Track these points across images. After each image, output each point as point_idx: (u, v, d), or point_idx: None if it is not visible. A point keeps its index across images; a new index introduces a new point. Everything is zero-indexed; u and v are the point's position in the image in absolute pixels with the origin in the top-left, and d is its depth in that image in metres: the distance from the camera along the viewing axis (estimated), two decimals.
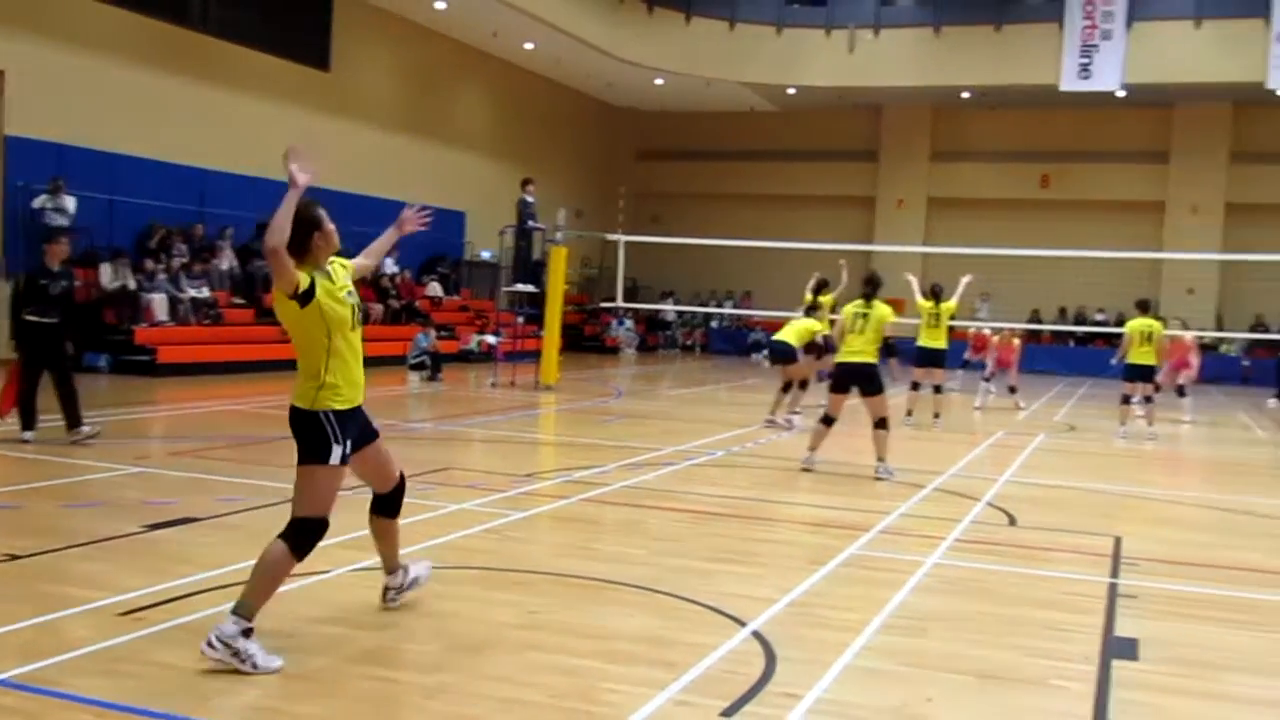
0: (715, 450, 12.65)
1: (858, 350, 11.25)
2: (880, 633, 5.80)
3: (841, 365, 11.40)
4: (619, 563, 7.08)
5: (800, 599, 6.39)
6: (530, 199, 20.32)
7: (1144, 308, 16.41)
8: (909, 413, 16.55)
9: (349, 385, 5.16)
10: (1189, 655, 5.67)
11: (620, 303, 24.16)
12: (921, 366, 16.87)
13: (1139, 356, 15.93)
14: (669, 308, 35.02)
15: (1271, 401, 23.93)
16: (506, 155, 31.09)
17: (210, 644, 4.77)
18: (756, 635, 5.63)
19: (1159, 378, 17.74)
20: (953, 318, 17.04)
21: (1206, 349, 31.17)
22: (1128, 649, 5.70)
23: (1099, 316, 32.49)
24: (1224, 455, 15.37)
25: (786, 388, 15.63)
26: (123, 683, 4.61)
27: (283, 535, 5.04)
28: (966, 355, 21.98)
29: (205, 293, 20.63)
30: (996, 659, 5.47)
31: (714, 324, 36.98)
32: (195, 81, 21.76)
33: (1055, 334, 32.39)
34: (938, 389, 16.89)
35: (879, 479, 10.90)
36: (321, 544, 6.61)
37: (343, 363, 5.13)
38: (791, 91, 33.38)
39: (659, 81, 33.09)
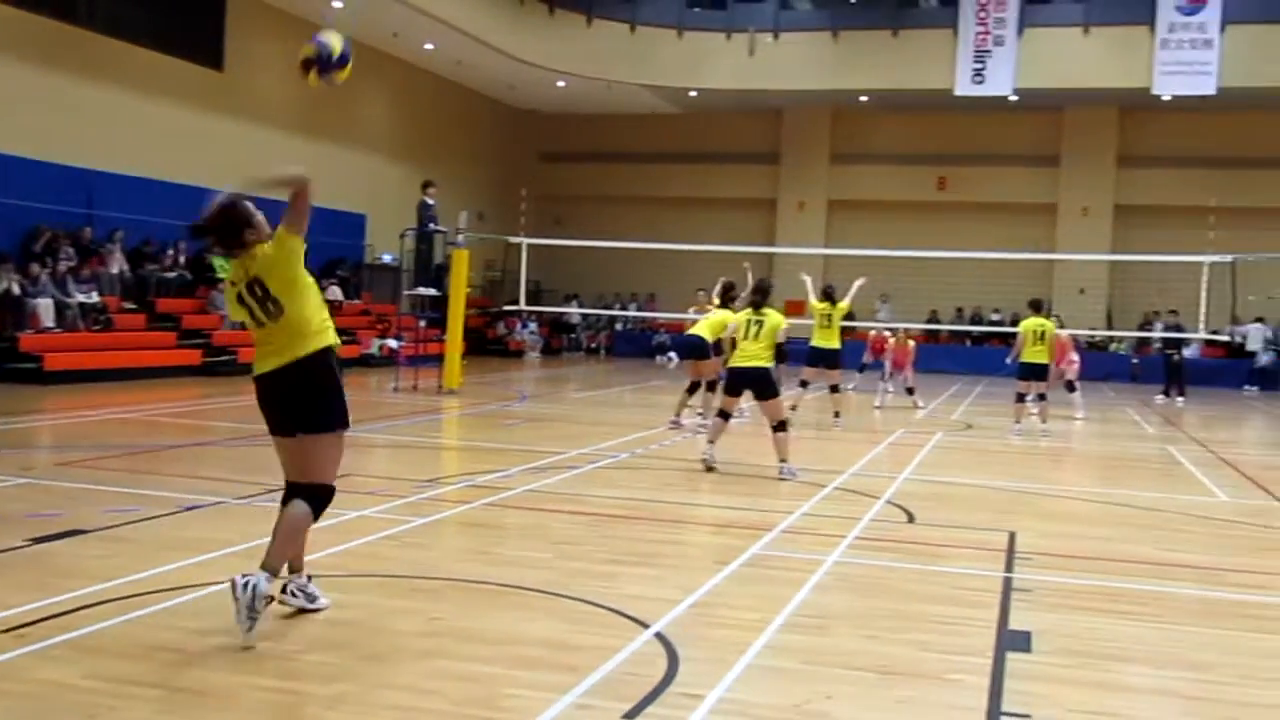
0: (619, 453, 12.66)
1: (751, 355, 11.39)
2: (781, 631, 5.85)
3: (735, 370, 11.57)
4: (522, 567, 7.05)
5: (703, 599, 6.42)
6: (431, 201, 20.15)
7: (1036, 307, 16.79)
8: (793, 407, 16.76)
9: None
10: (1080, 646, 5.81)
11: (524, 306, 24.09)
12: (814, 366, 17.09)
13: (1032, 355, 16.30)
14: (573, 310, 35.01)
15: (1159, 397, 24.65)
16: (408, 157, 30.82)
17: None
18: (659, 637, 5.65)
19: None
20: (850, 318, 17.27)
21: (1097, 347, 32.10)
22: (1021, 641, 5.82)
23: (994, 316, 33.17)
24: (1114, 451, 15.79)
25: (693, 388, 15.68)
26: (3, 702, 4.47)
27: (307, 498, 5.53)
28: (866, 357, 22.29)
29: (94, 298, 20.09)
30: (895, 654, 5.55)
31: (619, 326, 37.04)
32: (83, 80, 21.18)
33: (952, 334, 33.01)
34: (834, 389, 17.11)
35: (782, 479, 11.00)
36: (216, 553, 6.48)
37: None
38: (693, 94, 33.59)
39: (561, 84, 33.06)
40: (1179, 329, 25.27)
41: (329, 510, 5.90)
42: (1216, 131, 32.19)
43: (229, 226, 5.59)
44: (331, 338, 5.67)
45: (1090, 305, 32.73)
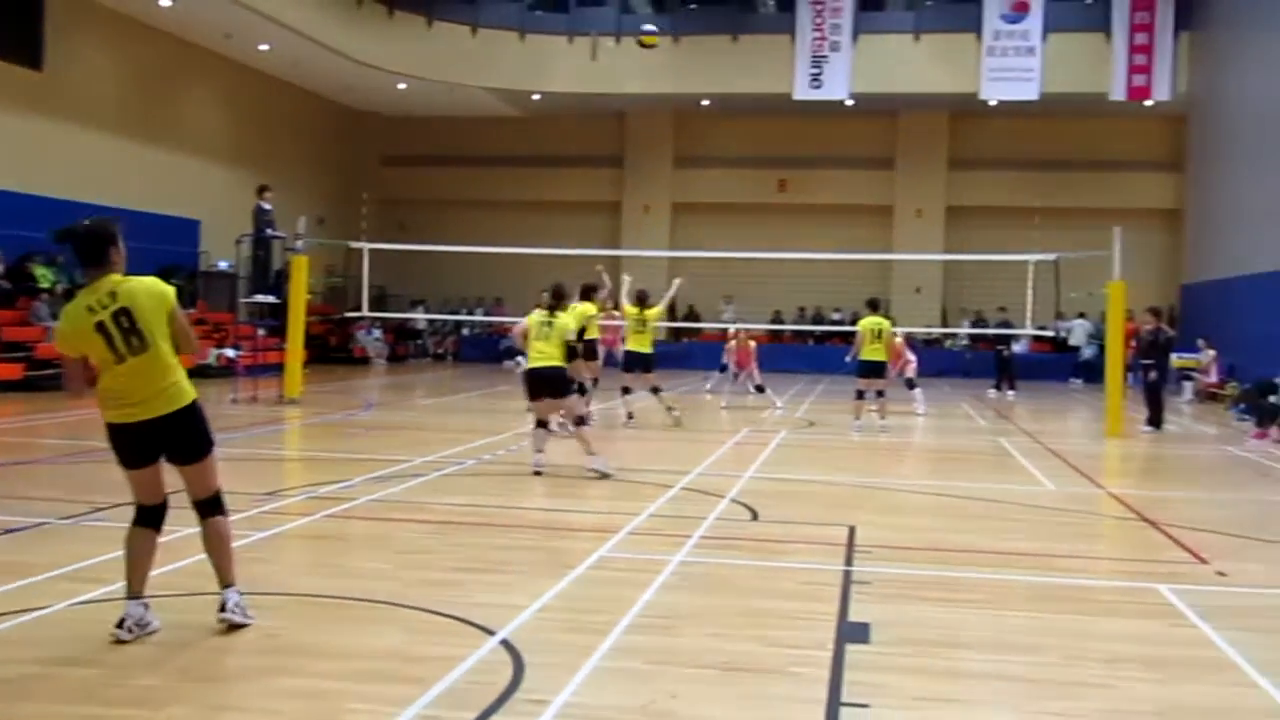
0: (466, 459, 12.56)
1: (545, 356, 11.52)
2: (627, 633, 5.88)
3: (530, 373, 11.73)
4: (365, 579, 6.94)
5: (549, 604, 6.41)
6: (268, 206, 19.69)
7: (874, 306, 17.20)
8: (629, 415, 16.97)
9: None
10: (917, 635, 5.98)
11: (367, 312, 23.71)
12: (630, 371, 17.26)
13: (870, 353, 16.70)
14: (418, 316, 34.59)
15: (991, 392, 25.55)
16: (244, 161, 30.02)
17: (239, 614, 5.71)
18: (505, 644, 5.62)
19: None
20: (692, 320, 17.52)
21: (932, 344, 33.10)
22: (860, 633, 5.96)
23: (836, 316, 33.95)
24: (950, 444, 16.30)
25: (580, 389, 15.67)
26: None
27: (220, 510, 5.93)
28: (724, 358, 22.61)
29: None
30: (739, 651, 5.63)
31: (465, 332, 36.75)
32: None
33: (795, 333, 33.64)
34: (655, 390, 17.31)
35: (593, 476, 11.08)
36: (39, 577, 6.24)
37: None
38: (536, 98, 33.54)
39: (401, 86, 32.64)
40: (1008, 325, 26.24)
41: (164, 528, 5.79)
42: (1040, 136, 33.58)
43: (99, 241, 5.51)
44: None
45: (926, 304, 33.77)
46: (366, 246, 21.72)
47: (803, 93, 30.39)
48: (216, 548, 5.90)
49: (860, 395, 16.93)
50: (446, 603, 6.33)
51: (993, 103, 30.58)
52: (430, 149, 37.49)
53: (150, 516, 5.78)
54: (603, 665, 5.35)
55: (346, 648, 5.52)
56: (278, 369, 20.06)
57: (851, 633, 5.96)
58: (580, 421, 11.82)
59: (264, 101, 31.62)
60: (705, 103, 33.94)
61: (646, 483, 11.04)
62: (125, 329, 5.47)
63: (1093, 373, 30.13)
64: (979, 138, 34.33)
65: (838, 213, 34.56)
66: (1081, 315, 31.23)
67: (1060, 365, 31.51)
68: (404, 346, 35.52)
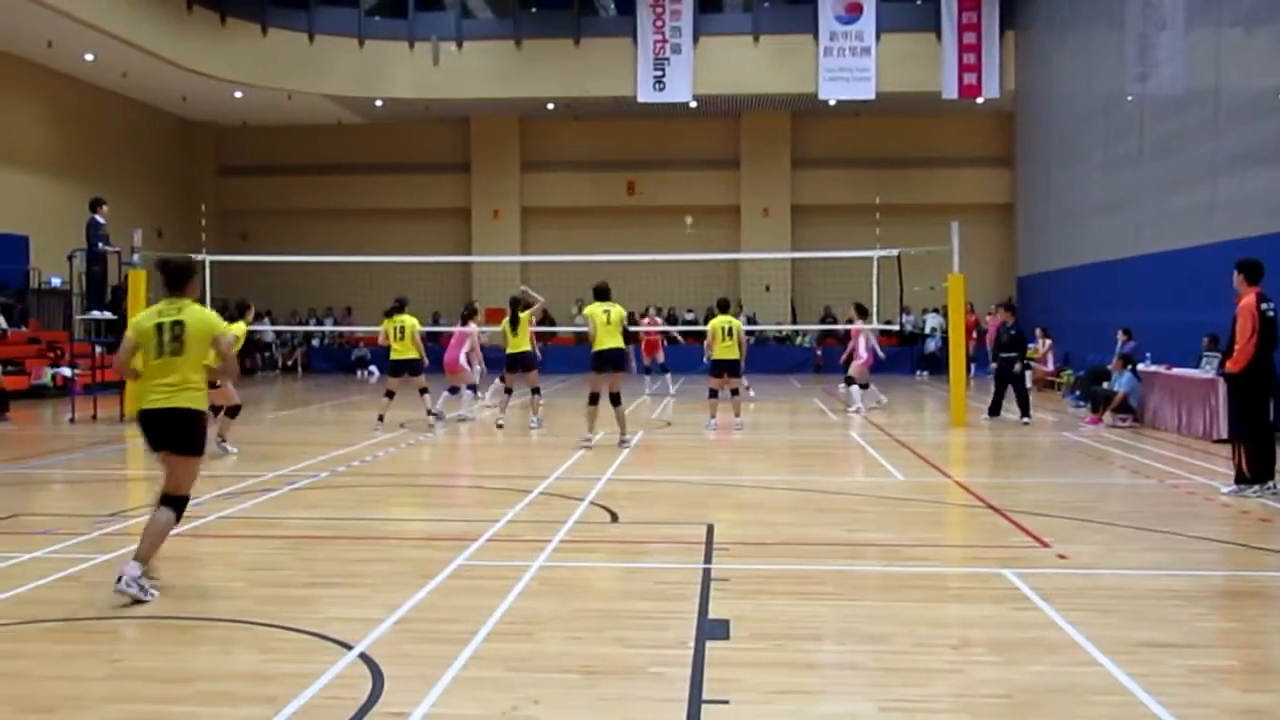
0: (319, 471, 12.30)
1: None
2: (487, 641, 5.82)
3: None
4: (214, 598, 6.74)
5: (407, 615, 6.31)
6: (102, 220, 18.98)
7: (724, 306, 17.42)
8: (499, 425, 17.01)
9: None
10: (775, 629, 6.06)
11: None
12: (513, 371, 17.30)
13: (723, 352, 16.90)
14: (265, 328, 33.72)
15: (842, 386, 26.03)
16: (74, 174, 28.88)
17: (124, 585, 6.48)
18: (363, 657, 5.52)
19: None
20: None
21: (782, 341, 33.67)
22: (720, 630, 6.01)
23: (688, 315, 34.23)
24: (802, 439, 16.59)
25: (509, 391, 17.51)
26: None
27: (170, 505, 6.96)
28: (645, 359, 23.03)
29: None
30: (600, 654, 5.63)
31: (315, 342, 36.01)
32: None
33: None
34: (535, 391, 17.35)
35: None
36: None
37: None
38: (378, 104, 33.09)
39: (238, 94, 31.82)
40: (851, 321, 26.75)
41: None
42: (878, 134, 34.47)
43: (184, 274, 7.32)
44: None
45: (775, 301, 34.31)
46: (207, 258, 21.10)
47: (646, 95, 30.61)
48: (151, 531, 6.89)
49: (714, 394, 17.11)
50: (299, 618, 6.19)
51: (832, 102, 31.26)
52: (271, 158, 36.66)
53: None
54: (463, 675, 5.29)
55: (194, 670, 5.35)
56: (117, 387, 19.34)
57: (711, 630, 6.01)
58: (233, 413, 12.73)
59: (93, 112, 30.47)
60: (550, 106, 33.91)
61: (506, 489, 10.96)
62: (172, 336, 7.04)
63: (938, 366, 31.00)
64: (820, 137, 35.05)
65: (687, 213, 34.87)
66: (935, 310, 32.07)
67: (906, 358, 32.35)
68: (251, 360, 34.62)
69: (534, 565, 7.55)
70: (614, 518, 9.46)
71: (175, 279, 7.28)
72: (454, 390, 18.63)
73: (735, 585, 7.02)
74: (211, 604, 6.59)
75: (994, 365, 19.13)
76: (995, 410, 18.72)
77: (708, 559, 7.81)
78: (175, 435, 7.04)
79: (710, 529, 8.86)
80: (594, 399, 14.84)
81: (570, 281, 32.21)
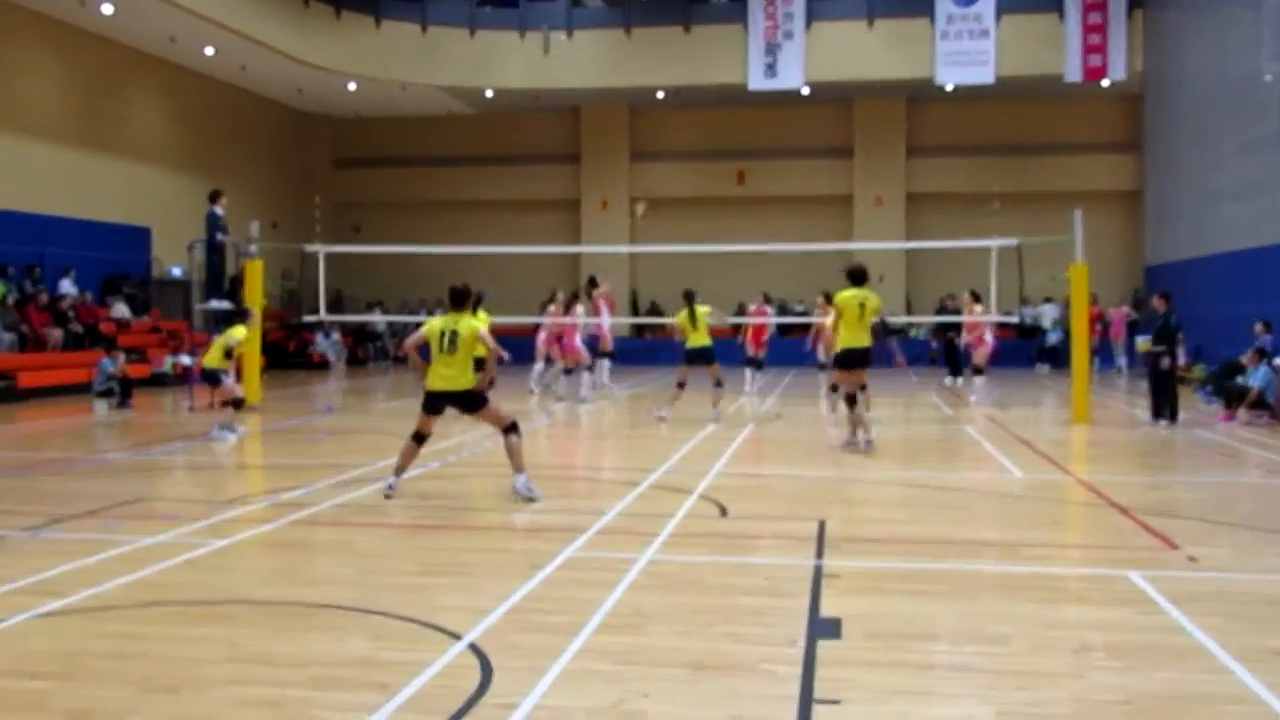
0: (430, 462, 12.48)
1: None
2: (596, 634, 5.87)
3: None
4: (328, 585, 6.90)
5: (516, 606, 6.39)
6: (220, 212, 19.50)
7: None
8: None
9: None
10: (886, 628, 6.00)
11: (324, 316, 23.54)
12: (692, 364, 17.34)
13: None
14: (376, 318, 34.38)
15: (947, 380, 25.63)
16: (193, 167, 29.75)
17: (520, 491, 9.72)
18: (472, 647, 5.60)
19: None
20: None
21: (897, 333, 33.25)
22: (831, 628, 5.98)
23: (799, 307, 33.99)
24: (915, 434, 16.38)
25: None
26: None
27: (509, 431, 9.89)
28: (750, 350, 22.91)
29: None
30: (708, 649, 5.63)
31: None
32: None
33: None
34: (718, 384, 17.20)
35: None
36: None
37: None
38: (489, 95, 33.44)
39: (352, 86, 32.44)
40: (957, 312, 26.30)
41: (114, 538, 5.82)
42: (997, 120, 33.82)
43: (463, 296, 10.07)
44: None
45: (889, 292, 33.85)
46: (322, 250, 21.57)
47: (757, 83, 30.47)
48: (513, 450, 9.88)
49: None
50: (411, 607, 6.31)
51: (949, 87, 30.76)
52: (383, 150, 37.30)
53: (421, 439, 10.11)
54: (572, 667, 5.33)
55: (309, 655, 5.49)
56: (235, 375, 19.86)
57: (822, 628, 5.98)
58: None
59: (212, 106, 31.34)
60: (660, 95, 33.94)
61: (615, 480, 11.03)
62: (450, 340, 9.84)
63: (1059, 358, 30.37)
64: (936, 123, 34.53)
65: (797, 204, 34.67)
66: (1049, 300, 31.45)
67: (1026, 351, 31.75)
68: (363, 350, 35.31)
69: (642, 558, 7.58)
70: (723, 511, 9.45)
71: (458, 299, 10.03)
72: (569, 372, 19.21)
73: (847, 582, 6.98)
74: (325, 590, 6.74)
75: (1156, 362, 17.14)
76: (1159, 413, 16.78)
77: (819, 555, 7.76)
78: (463, 404, 9.94)
79: (822, 524, 8.81)
80: (851, 400, 13.61)
81: (677, 272, 32.23)
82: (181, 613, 6.31)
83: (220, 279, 20.25)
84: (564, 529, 8.61)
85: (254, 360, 19.21)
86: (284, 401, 20.81)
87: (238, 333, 15.56)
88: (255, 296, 19.30)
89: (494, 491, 10.69)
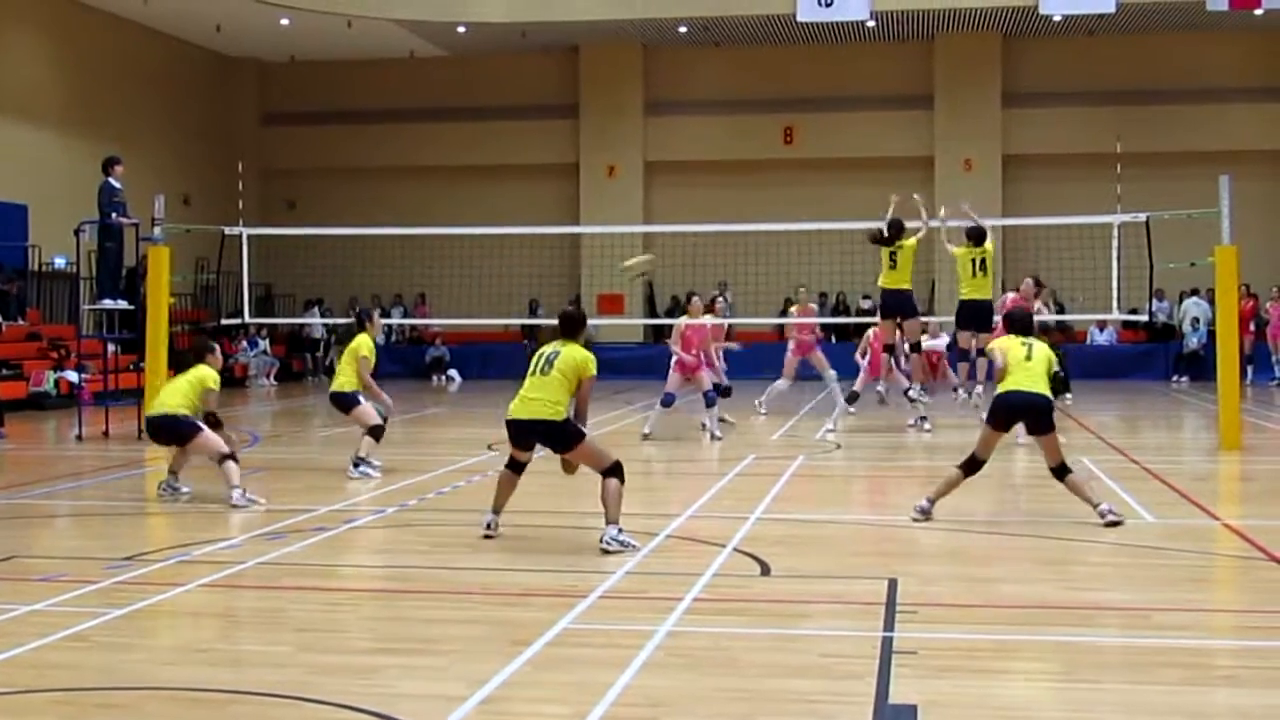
0: (384, 507, 12.52)
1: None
2: None
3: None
4: (255, 666, 6.92)
5: (496, 693, 6.38)
6: (117, 184, 19.57)
7: (978, 235, 17.87)
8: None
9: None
10: (979, 718, 5.99)
11: (249, 318, 23.63)
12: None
13: (974, 289, 17.33)
14: (315, 321, 34.44)
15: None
16: (82, 127, 29.93)
17: (608, 545, 10.00)
18: None
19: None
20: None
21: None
22: (906, 718, 5.97)
23: (865, 304, 33.90)
24: (1011, 466, 16.30)
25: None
26: None
27: (615, 475, 10.17)
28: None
29: None
30: None
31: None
32: None
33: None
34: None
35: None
36: None
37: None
38: (461, 30, 33.51)
39: (285, 21, 32.55)
40: (1061, 309, 26.24)
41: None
42: (1118, 60, 33.81)
43: (576, 325, 10.79)
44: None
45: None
46: (246, 232, 21.66)
47: (809, 12, 30.42)
48: (607, 498, 10.17)
49: (964, 357, 16.98)
50: (361, 694, 6.31)
51: (1056, 18, 30.78)
52: (326, 103, 37.43)
53: (517, 468, 10.71)
54: None
55: None
56: (135, 395, 19.94)
57: (895, 718, 5.97)
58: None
59: (105, 49, 31.52)
60: (683, 30, 33.98)
61: (625, 529, 11.01)
62: (546, 363, 10.36)
63: (1202, 367, 30.27)
64: (1040, 65, 34.54)
65: (861, 168, 34.61)
66: (1194, 292, 31.35)
67: (1161, 358, 31.70)
68: (299, 361, 35.41)
69: (660, 630, 7.57)
70: (764, 569, 9.45)
71: (569, 328, 10.71)
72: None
73: (926, 660, 6.96)
74: (250, 673, 6.75)
75: None
76: None
77: (888, 625, 7.75)
78: (554, 440, 10.42)
79: (892, 585, 8.79)
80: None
81: (707, 255, 32.25)
82: (65, 701, 6.32)
83: (117, 271, 20.30)
84: (558, 593, 8.61)
85: (158, 374, 19.25)
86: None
87: (364, 343, 15.49)
88: (160, 293, 19.33)
89: (466, 545, 10.68)
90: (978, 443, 11.65)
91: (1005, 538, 10.99)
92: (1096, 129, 33.60)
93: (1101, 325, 32.12)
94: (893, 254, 17.79)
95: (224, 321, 28.00)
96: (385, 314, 35.79)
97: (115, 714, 6.09)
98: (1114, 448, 17.47)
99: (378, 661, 7.02)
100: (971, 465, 11.55)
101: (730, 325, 23.08)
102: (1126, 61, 33.82)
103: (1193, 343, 31.44)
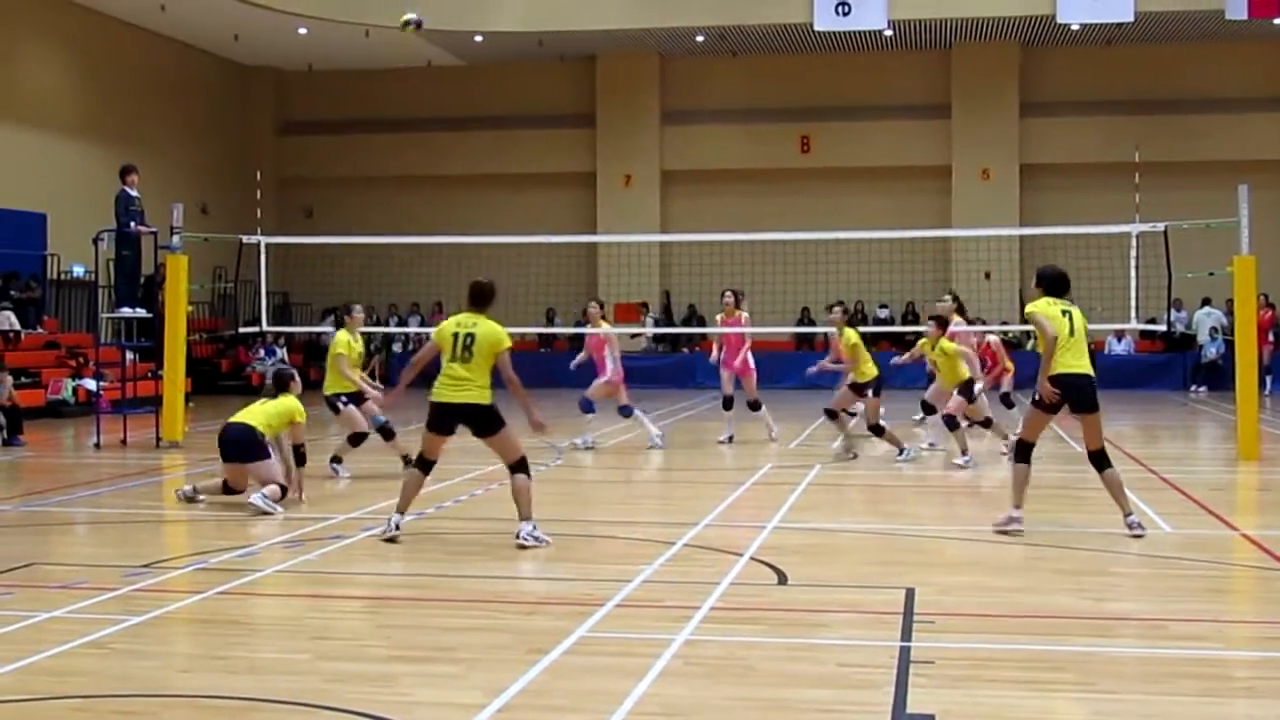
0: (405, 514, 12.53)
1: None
2: None
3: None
4: (273, 674, 6.93)
5: (514, 701, 6.39)
6: (134, 193, 19.64)
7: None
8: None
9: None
10: None
11: (266, 326, 23.69)
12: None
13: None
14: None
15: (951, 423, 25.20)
16: (100, 136, 30.03)
17: (524, 540, 10.25)
18: None
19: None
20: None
21: (1012, 346, 33.12)
22: None
23: (881, 313, 33.90)
24: (1035, 476, 16.24)
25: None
26: None
27: (523, 470, 10.48)
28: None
29: None
30: None
31: (396, 348, 36.65)
32: None
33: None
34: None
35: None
36: None
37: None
38: (478, 39, 33.57)
39: (302, 31, 32.63)
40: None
41: (3, 614, 5.81)
42: (1137, 69, 33.75)
43: (486, 296, 10.84)
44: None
45: (998, 292, 33.70)
46: (263, 240, 21.70)
47: (827, 22, 30.47)
48: (518, 496, 10.41)
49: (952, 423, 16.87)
50: (379, 702, 6.32)
51: (1074, 27, 30.74)
52: (344, 112, 37.51)
53: (427, 466, 10.95)
54: None
55: None
56: (153, 404, 20.00)
57: None
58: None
59: (124, 59, 31.61)
60: (700, 39, 34.01)
61: (642, 539, 11.03)
62: (464, 345, 10.44)
63: (1219, 376, 30.20)
64: (1059, 74, 34.50)
65: (879, 177, 34.63)
66: (1207, 302, 31.29)
67: (1179, 368, 31.60)
68: (315, 369, 35.41)
69: (677, 639, 7.58)
70: (782, 578, 9.44)
71: (478, 299, 10.78)
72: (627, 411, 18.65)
73: (943, 670, 6.95)
74: (267, 681, 6.77)
75: None
76: None
77: (906, 635, 7.75)
78: (478, 423, 10.53)
79: (909, 594, 8.79)
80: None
81: (722, 266, 32.24)
82: (84, 708, 6.34)
83: (135, 279, 20.36)
84: (576, 601, 8.62)
85: (176, 384, 19.31)
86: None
87: (340, 340, 15.74)
88: (178, 301, 19.41)
89: (484, 552, 10.71)
90: (1024, 428, 11.73)
91: (1022, 547, 10.97)
92: (1114, 138, 33.53)
93: (1119, 335, 32.09)
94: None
95: (241, 330, 28.06)
96: (402, 322, 35.92)
97: None
98: (1132, 458, 17.41)
99: (395, 669, 7.04)
100: (1024, 451, 11.51)
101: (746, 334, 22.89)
102: (1145, 71, 33.78)
103: (1210, 352, 31.37)
